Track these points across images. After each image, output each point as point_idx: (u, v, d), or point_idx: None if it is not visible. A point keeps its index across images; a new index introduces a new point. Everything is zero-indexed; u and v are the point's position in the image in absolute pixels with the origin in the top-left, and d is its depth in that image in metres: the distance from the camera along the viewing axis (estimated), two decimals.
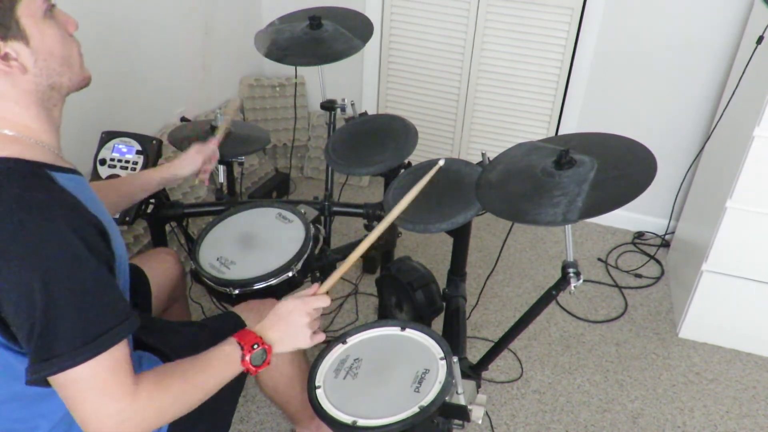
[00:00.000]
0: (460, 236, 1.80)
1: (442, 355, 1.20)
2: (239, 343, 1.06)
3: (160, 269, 1.55)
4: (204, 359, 1.03)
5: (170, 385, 0.97)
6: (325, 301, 1.16)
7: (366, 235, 1.29)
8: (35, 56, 0.92)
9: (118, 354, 0.90)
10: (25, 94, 0.94)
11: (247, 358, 1.05)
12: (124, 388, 0.90)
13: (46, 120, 0.98)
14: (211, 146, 1.69)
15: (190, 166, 1.61)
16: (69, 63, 0.97)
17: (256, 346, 1.06)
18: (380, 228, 1.29)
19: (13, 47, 0.89)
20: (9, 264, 0.83)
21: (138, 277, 1.45)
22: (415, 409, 1.09)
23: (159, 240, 1.94)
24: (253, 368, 1.07)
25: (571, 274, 1.27)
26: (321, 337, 1.17)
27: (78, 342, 0.86)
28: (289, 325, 1.12)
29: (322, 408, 1.14)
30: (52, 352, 0.85)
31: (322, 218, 1.99)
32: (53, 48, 0.94)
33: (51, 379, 0.89)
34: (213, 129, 1.92)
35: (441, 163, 1.45)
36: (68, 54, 0.97)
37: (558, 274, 1.30)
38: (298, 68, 2.08)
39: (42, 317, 0.84)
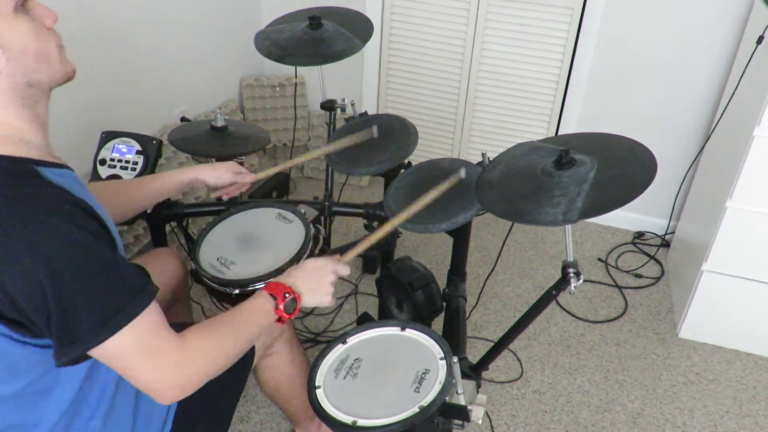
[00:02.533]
0: (460, 236, 1.80)
1: (442, 355, 1.20)
2: (271, 295, 1.12)
3: (163, 270, 1.54)
4: (240, 311, 1.09)
5: (215, 330, 1.03)
6: (347, 270, 1.25)
7: (390, 220, 1.37)
8: (7, 55, 0.89)
9: (151, 317, 0.94)
10: (3, 94, 0.92)
11: (281, 306, 1.12)
12: (170, 341, 0.95)
13: (29, 117, 0.96)
14: (248, 178, 1.59)
15: (217, 178, 1.53)
16: (46, 58, 0.94)
17: (287, 295, 1.13)
18: (407, 213, 1.35)
19: None
20: (8, 261, 0.84)
21: None
22: (415, 409, 1.09)
23: (159, 240, 1.93)
24: (286, 316, 1.12)
25: (571, 274, 1.26)
26: (334, 300, 1.23)
27: (99, 319, 0.88)
28: (318, 280, 1.19)
29: (322, 408, 1.14)
30: (77, 333, 0.88)
31: (322, 218, 1.99)
32: (26, 45, 0.91)
33: (96, 355, 0.91)
34: (212, 129, 1.91)
35: (462, 174, 1.48)
36: (44, 48, 0.94)
37: (558, 274, 1.30)
38: (298, 68, 2.08)
39: (56, 305, 0.85)
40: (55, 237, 0.85)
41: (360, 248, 1.31)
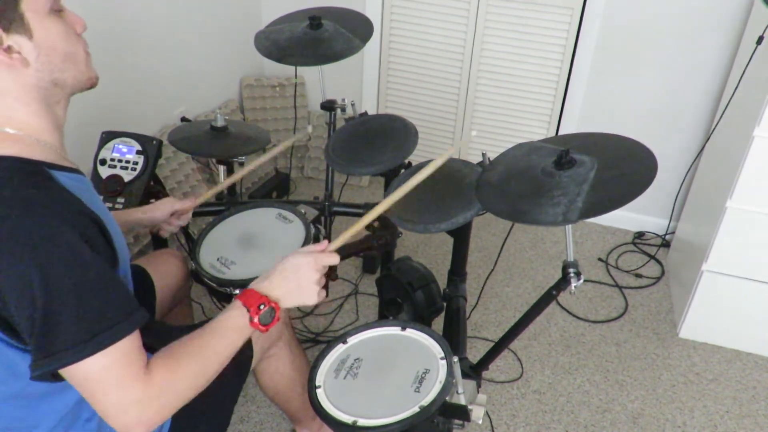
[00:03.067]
0: (461, 236, 1.80)
1: (443, 354, 1.20)
2: (245, 306, 1.05)
3: (165, 271, 1.54)
4: (211, 329, 1.02)
5: (182, 363, 0.96)
6: (334, 259, 1.14)
7: (380, 202, 1.25)
8: (38, 50, 0.92)
9: (127, 346, 0.90)
10: (27, 90, 0.94)
11: (255, 319, 1.04)
12: (137, 376, 0.90)
13: (48, 118, 0.98)
14: (186, 204, 1.59)
15: (156, 214, 1.53)
16: (73, 60, 0.98)
17: (262, 306, 1.04)
18: (399, 192, 1.25)
19: (15, 40, 0.90)
20: (8, 261, 0.83)
21: (142, 279, 1.45)
22: (416, 409, 1.09)
23: (159, 240, 1.93)
24: (263, 327, 1.05)
25: (572, 274, 1.27)
26: (324, 294, 1.14)
27: (79, 338, 0.85)
28: (298, 281, 1.10)
29: (322, 408, 1.14)
30: (54, 348, 0.85)
31: (322, 218, 1.99)
32: (56, 43, 0.94)
33: (65, 375, 0.88)
34: (212, 129, 1.92)
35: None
36: (72, 51, 0.97)
37: (558, 274, 1.30)
38: (298, 68, 2.08)
39: (42, 313, 0.84)
40: (58, 244, 0.84)
41: (348, 234, 1.20)
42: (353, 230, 1.21)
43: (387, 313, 1.82)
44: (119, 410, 0.90)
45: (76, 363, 0.86)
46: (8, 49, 0.90)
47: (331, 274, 1.78)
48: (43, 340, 0.85)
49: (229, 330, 1.03)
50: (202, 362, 0.99)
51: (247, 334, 1.05)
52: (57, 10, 0.94)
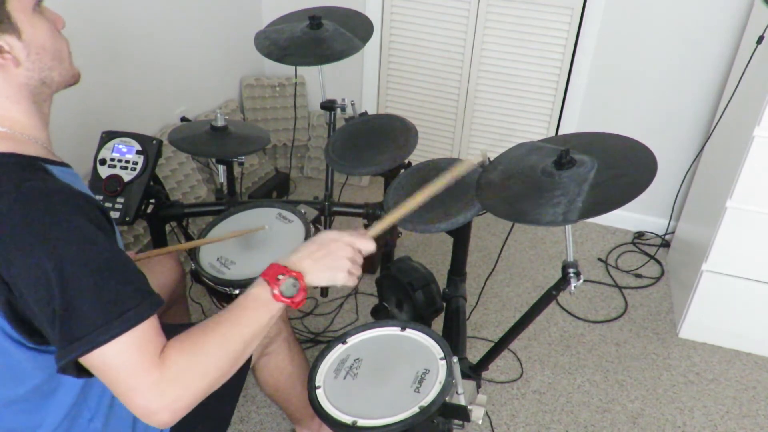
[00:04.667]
0: (460, 236, 1.80)
1: (442, 355, 1.20)
2: (264, 279, 0.99)
3: (160, 271, 1.54)
4: (234, 309, 0.97)
5: (199, 342, 0.92)
6: (370, 245, 1.08)
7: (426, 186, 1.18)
8: (27, 49, 0.93)
9: (146, 329, 0.88)
10: (17, 89, 0.95)
11: (276, 291, 0.97)
12: (153, 360, 0.88)
13: (36, 115, 0.99)
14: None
15: None
16: (59, 58, 0.99)
17: (281, 277, 0.98)
18: (440, 182, 1.18)
19: (5, 40, 0.91)
20: (20, 253, 0.83)
21: None
22: (415, 410, 1.09)
23: (159, 240, 1.94)
24: (288, 299, 0.98)
25: (571, 274, 1.27)
26: (355, 281, 1.07)
27: (100, 321, 0.84)
28: (329, 253, 1.03)
29: (322, 408, 1.14)
30: (75, 334, 0.84)
31: (322, 218, 1.99)
32: (44, 42, 0.95)
33: (86, 363, 0.87)
34: (212, 129, 1.91)
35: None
36: (58, 48, 0.98)
37: (558, 274, 1.30)
38: (298, 68, 2.08)
39: (61, 301, 0.83)
40: (67, 230, 0.85)
41: (387, 222, 1.13)
42: (392, 218, 1.14)
43: (374, 317, 1.82)
44: (138, 396, 0.87)
45: (99, 347, 0.84)
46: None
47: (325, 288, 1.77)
48: (65, 327, 0.84)
49: (249, 305, 0.98)
50: (221, 340, 0.94)
51: (272, 308, 0.99)
52: (38, 3, 0.95)
